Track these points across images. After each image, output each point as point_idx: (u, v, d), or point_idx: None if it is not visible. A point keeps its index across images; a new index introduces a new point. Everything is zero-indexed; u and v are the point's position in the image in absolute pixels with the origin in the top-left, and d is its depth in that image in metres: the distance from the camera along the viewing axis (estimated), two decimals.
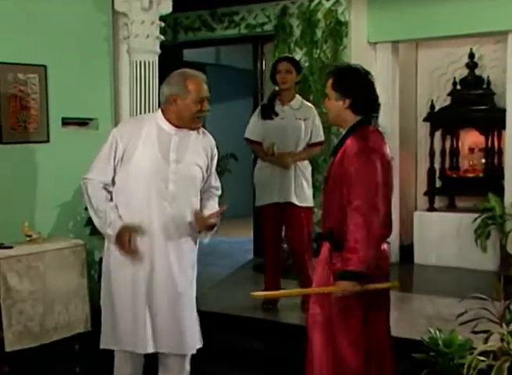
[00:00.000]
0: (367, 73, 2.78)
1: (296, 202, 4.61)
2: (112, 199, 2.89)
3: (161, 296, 2.88)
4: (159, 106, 2.97)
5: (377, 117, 2.80)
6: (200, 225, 2.92)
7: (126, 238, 2.79)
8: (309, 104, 4.75)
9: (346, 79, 2.74)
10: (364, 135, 2.70)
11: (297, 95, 4.74)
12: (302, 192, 4.64)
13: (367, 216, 2.56)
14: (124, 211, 2.86)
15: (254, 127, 4.72)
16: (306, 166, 4.73)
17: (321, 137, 4.70)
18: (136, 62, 4.68)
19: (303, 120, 4.60)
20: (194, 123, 2.88)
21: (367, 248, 2.57)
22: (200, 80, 2.85)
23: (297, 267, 4.73)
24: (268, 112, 4.64)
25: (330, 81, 2.76)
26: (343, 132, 2.81)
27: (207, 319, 4.64)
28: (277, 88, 4.76)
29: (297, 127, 4.60)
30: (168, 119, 2.88)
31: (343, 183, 2.65)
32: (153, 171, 2.83)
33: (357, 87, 2.73)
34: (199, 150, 2.96)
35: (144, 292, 2.88)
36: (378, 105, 2.80)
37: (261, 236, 5.12)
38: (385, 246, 2.77)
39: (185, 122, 2.87)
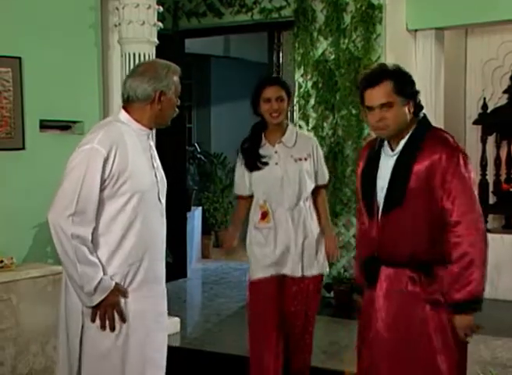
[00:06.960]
0: None
1: (304, 272, 3.89)
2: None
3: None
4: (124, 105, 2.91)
5: None
6: None
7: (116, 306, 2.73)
8: (306, 133, 4.29)
9: (408, 79, 2.84)
10: (446, 139, 2.90)
11: (289, 125, 4.02)
12: (314, 259, 3.92)
13: (481, 230, 2.84)
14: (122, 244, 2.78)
15: (241, 180, 4.03)
16: (312, 214, 3.97)
17: (327, 175, 4.09)
18: (128, 54, 4.69)
19: (303, 160, 3.92)
20: (169, 119, 2.94)
21: (484, 268, 2.84)
22: (179, 71, 2.94)
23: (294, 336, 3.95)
24: (254, 162, 3.91)
25: (389, 87, 2.77)
26: (403, 140, 2.83)
27: (212, 361, 4.62)
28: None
29: (298, 171, 3.89)
30: (138, 121, 2.86)
31: (433, 199, 2.77)
32: (149, 184, 2.84)
33: (415, 86, 2.86)
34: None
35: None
36: None
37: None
38: None
39: (164, 121, 2.92)
